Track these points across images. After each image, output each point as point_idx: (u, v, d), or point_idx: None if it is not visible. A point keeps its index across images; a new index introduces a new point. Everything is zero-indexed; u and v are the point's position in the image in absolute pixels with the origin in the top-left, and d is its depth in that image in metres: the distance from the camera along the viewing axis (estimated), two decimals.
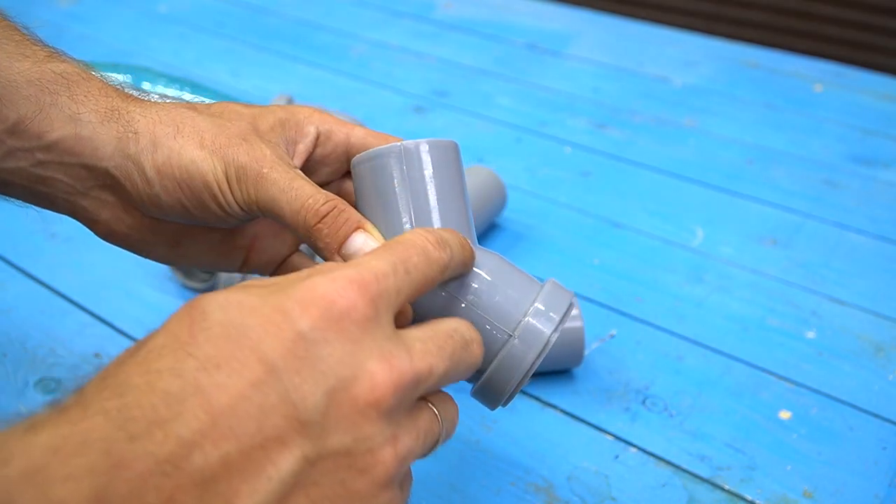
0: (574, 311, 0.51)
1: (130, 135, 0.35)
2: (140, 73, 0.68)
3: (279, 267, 0.41)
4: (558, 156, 0.80)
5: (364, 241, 0.33)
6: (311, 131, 0.38)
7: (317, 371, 0.25)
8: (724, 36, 1.08)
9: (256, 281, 0.28)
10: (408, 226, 0.34)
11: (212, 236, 0.38)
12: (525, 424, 0.51)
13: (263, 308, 0.26)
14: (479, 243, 0.37)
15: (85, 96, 0.35)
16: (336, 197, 0.34)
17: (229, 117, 0.36)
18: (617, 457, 0.49)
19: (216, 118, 0.36)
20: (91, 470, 0.22)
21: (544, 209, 0.71)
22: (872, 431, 0.50)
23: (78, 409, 0.23)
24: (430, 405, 0.30)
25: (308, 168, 0.38)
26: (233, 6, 1.10)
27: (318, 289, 0.26)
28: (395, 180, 0.34)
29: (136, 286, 0.61)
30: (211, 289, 0.59)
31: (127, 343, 0.55)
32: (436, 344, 0.28)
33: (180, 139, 0.34)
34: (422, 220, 0.34)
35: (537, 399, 0.52)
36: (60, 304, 0.59)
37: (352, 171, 0.36)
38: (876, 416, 0.51)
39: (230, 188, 0.34)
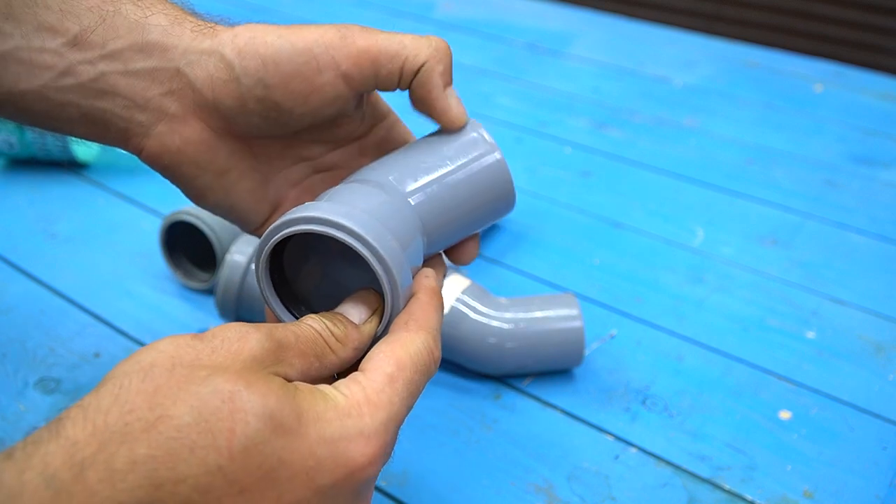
0: (574, 311, 0.51)
1: (207, 30, 0.34)
2: None
3: None
4: (558, 156, 0.80)
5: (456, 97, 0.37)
6: None
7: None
8: (724, 36, 1.08)
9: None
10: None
11: (253, 177, 0.38)
12: (525, 424, 0.51)
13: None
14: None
15: (151, 3, 0.34)
16: None
17: None
18: (617, 457, 0.49)
19: None
20: None
21: (544, 209, 0.71)
22: (872, 431, 0.50)
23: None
24: None
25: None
26: (233, 6, 1.10)
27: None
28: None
29: (136, 286, 0.61)
30: (211, 289, 0.59)
31: (127, 343, 0.55)
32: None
33: (263, 26, 0.34)
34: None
35: (537, 399, 0.52)
36: (60, 304, 0.59)
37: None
38: (876, 416, 0.51)
39: (330, 56, 0.34)
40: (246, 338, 0.28)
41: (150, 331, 0.56)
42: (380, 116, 0.39)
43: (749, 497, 0.46)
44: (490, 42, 1.02)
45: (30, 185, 0.72)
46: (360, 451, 0.27)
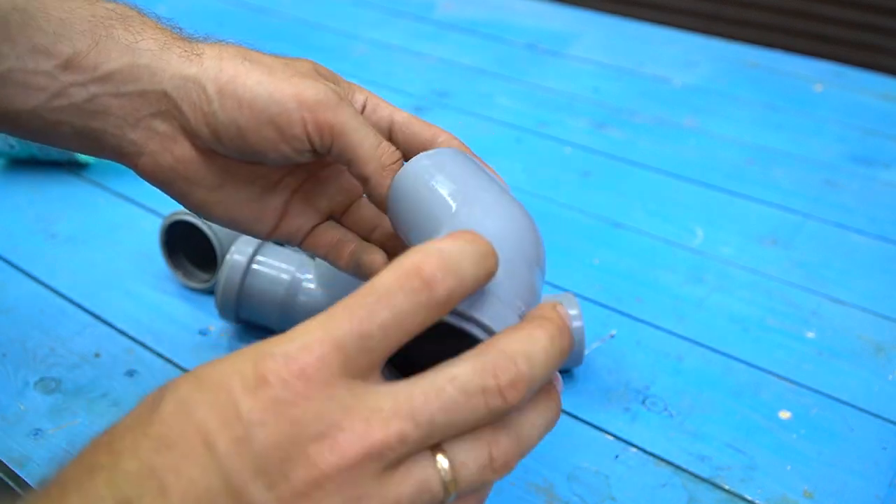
0: (574, 311, 0.51)
1: (193, 56, 0.35)
2: None
3: (307, 237, 0.40)
4: (558, 156, 0.80)
5: None
6: (359, 98, 0.38)
7: (254, 456, 0.23)
8: (724, 36, 1.08)
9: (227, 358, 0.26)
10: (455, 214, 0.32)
11: (251, 189, 0.38)
12: None
13: (209, 383, 0.24)
14: None
15: (141, 28, 0.35)
16: None
17: (292, 59, 0.37)
18: (617, 457, 0.49)
19: (279, 56, 0.36)
20: None
21: (544, 209, 0.71)
22: (872, 431, 0.50)
23: (56, 489, 0.24)
24: (431, 458, 0.25)
25: None
26: (233, 6, 1.10)
27: (264, 367, 0.24)
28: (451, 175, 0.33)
29: (136, 286, 0.61)
30: (211, 289, 0.59)
31: (127, 343, 0.55)
32: (414, 404, 0.24)
33: (247, 65, 0.35)
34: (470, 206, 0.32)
35: None
36: (60, 304, 0.59)
37: (397, 184, 0.34)
38: (876, 416, 0.51)
39: (301, 114, 0.34)
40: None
41: (150, 331, 0.56)
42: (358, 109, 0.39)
43: (749, 497, 0.46)
44: (490, 42, 1.02)
45: (30, 185, 0.72)
46: (280, 368, 0.25)
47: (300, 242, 0.41)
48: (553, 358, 0.26)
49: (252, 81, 0.34)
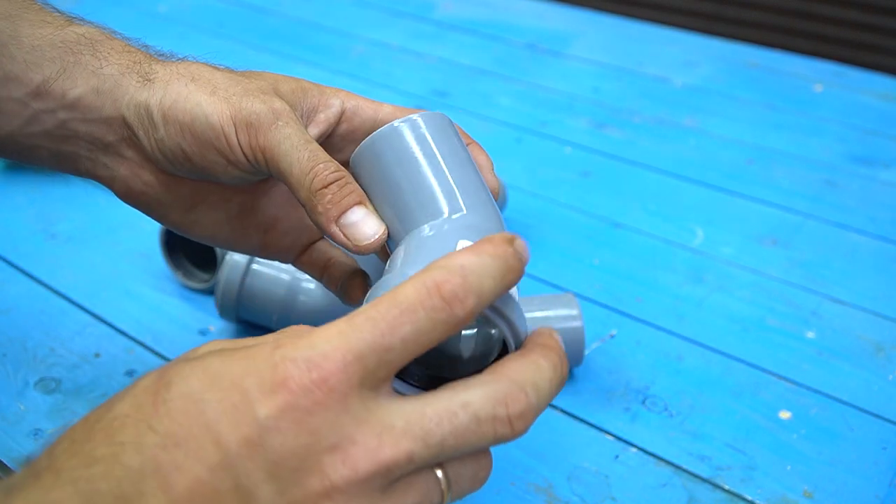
0: (574, 311, 0.51)
1: (146, 82, 0.35)
2: None
3: (301, 255, 0.40)
4: (558, 156, 0.80)
5: (364, 215, 0.33)
6: (335, 104, 0.37)
7: (269, 461, 0.24)
8: (724, 36, 1.08)
9: (229, 342, 0.27)
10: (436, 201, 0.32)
11: (228, 206, 0.38)
12: None
13: (223, 382, 0.24)
14: None
15: (108, 53, 0.36)
16: (345, 170, 0.33)
17: (249, 76, 0.36)
18: (617, 457, 0.49)
19: (236, 75, 0.36)
20: None
21: (544, 209, 0.71)
22: (872, 431, 0.50)
23: (50, 476, 0.23)
24: (431, 471, 0.26)
25: (332, 145, 0.38)
26: (233, 6, 1.10)
27: (284, 372, 0.24)
28: (416, 156, 0.33)
29: (136, 286, 0.61)
30: (211, 289, 0.59)
31: (127, 343, 0.55)
32: (425, 426, 0.25)
33: (192, 86, 0.34)
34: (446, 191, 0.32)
35: None
36: (60, 304, 0.59)
37: (355, 160, 0.34)
38: (876, 416, 0.51)
39: (236, 134, 0.33)
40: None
41: (150, 331, 0.56)
42: (334, 117, 0.38)
43: (749, 497, 0.46)
44: (490, 42, 1.02)
45: (30, 185, 0.72)
46: (300, 375, 0.25)
47: (293, 262, 0.40)
48: (556, 388, 0.28)
49: (191, 104, 0.34)
